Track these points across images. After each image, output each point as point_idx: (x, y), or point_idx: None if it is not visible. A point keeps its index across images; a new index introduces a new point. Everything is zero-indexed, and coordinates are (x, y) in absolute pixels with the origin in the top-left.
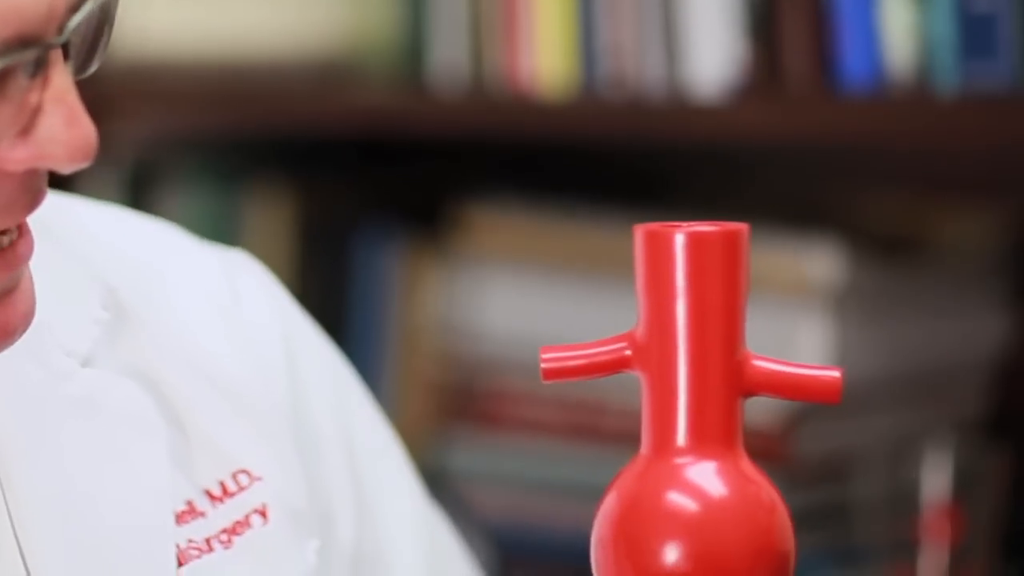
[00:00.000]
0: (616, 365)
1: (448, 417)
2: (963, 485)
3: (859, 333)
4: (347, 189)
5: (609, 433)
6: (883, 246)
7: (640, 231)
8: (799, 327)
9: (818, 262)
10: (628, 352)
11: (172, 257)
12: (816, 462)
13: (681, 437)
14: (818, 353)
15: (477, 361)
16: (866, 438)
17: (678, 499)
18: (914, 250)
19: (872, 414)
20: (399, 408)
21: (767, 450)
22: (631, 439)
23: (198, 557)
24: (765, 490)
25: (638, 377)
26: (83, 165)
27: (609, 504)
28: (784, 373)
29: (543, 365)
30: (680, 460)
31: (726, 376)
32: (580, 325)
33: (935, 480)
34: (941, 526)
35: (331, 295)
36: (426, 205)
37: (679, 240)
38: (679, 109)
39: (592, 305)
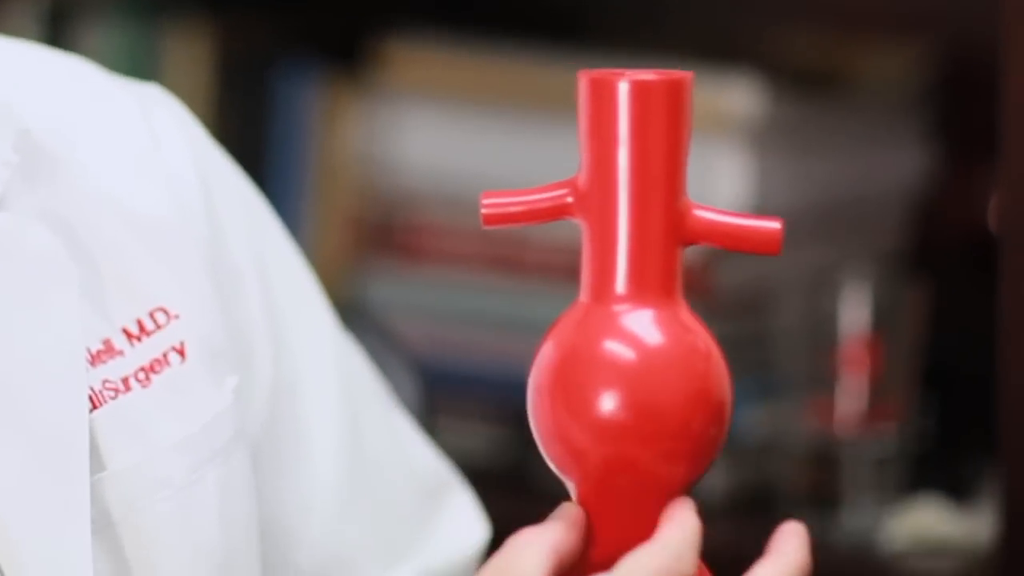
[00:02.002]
0: (557, 212)
1: (369, 251)
2: (882, 317)
3: (778, 167)
4: (266, 24)
5: (530, 266)
6: (802, 80)
7: (584, 78)
8: (717, 162)
9: (736, 97)
10: (569, 199)
11: (87, 94)
12: (736, 294)
13: (620, 285)
14: (736, 187)
15: (397, 195)
16: (785, 271)
17: (615, 347)
18: (833, 84)
19: (791, 247)
20: (320, 242)
21: (687, 282)
22: (552, 272)
23: (115, 398)
24: (702, 338)
25: (578, 224)
26: None
27: (546, 352)
28: (724, 223)
29: (484, 210)
30: (618, 308)
31: (667, 225)
32: (498, 158)
33: (854, 312)
34: (860, 358)
35: (250, 130)
36: (346, 39)
37: (623, 88)
38: None
39: (510, 138)
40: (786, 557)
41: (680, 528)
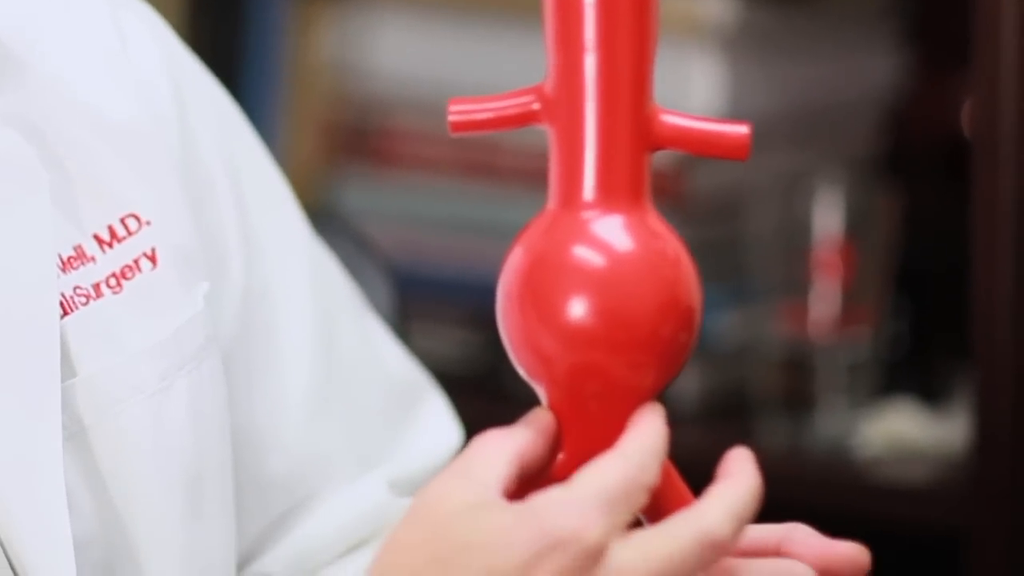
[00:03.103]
0: (524, 119)
1: (341, 156)
2: (855, 222)
3: (751, 72)
4: None
5: (503, 170)
6: None
7: None
8: (690, 68)
9: (709, 2)
10: (536, 106)
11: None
12: (709, 199)
13: (588, 192)
14: (709, 93)
15: (370, 101)
16: (758, 176)
17: (583, 253)
18: None
19: (765, 152)
20: (293, 148)
21: (661, 187)
22: (525, 176)
23: (86, 304)
24: (671, 244)
25: (546, 130)
26: None
27: (515, 258)
28: (692, 128)
29: (451, 117)
30: (586, 214)
31: (634, 131)
32: (471, 64)
33: (827, 217)
34: (833, 263)
35: (223, 36)
36: None
37: None
38: None
39: (483, 44)
40: (739, 479)
41: (643, 436)
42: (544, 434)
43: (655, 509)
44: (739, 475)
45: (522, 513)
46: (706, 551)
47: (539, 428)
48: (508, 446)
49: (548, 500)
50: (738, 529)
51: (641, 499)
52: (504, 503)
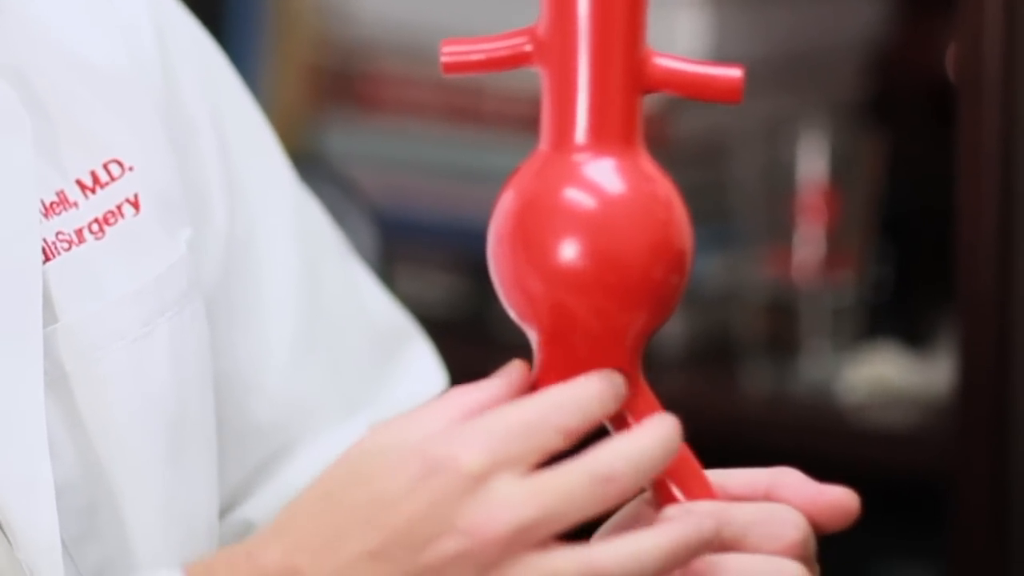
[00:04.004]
0: (516, 60)
1: (326, 100)
2: (839, 167)
3: (736, 16)
4: None
5: (487, 115)
6: None
7: None
8: (677, 11)
9: None
10: (528, 47)
11: None
12: (693, 143)
13: (580, 134)
14: (695, 37)
15: (354, 44)
16: (743, 120)
17: (575, 195)
18: None
19: (749, 96)
20: (277, 92)
21: (645, 131)
22: (509, 121)
23: (68, 249)
24: (663, 187)
25: (538, 72)
26: None
27: (506, 201)
28: (685, 71)
29: (443, 58)
30: (578, 157)
31: (627, 73)
32: (456, 7)
33: (811, 162)
34: (818, 207)
35: None
36: None
37: None
38: None
39: None
40: (647, 427)
41: (572, 385)
42: (514, 388)
43: None
44: (648, 425)
45: (414, 446)
46: (598, 487)
47: (510, 382)
48: (466, 400)
49: (440, 433)
50: (634, 469)
51: (548, 439)
52: (410, 443)
